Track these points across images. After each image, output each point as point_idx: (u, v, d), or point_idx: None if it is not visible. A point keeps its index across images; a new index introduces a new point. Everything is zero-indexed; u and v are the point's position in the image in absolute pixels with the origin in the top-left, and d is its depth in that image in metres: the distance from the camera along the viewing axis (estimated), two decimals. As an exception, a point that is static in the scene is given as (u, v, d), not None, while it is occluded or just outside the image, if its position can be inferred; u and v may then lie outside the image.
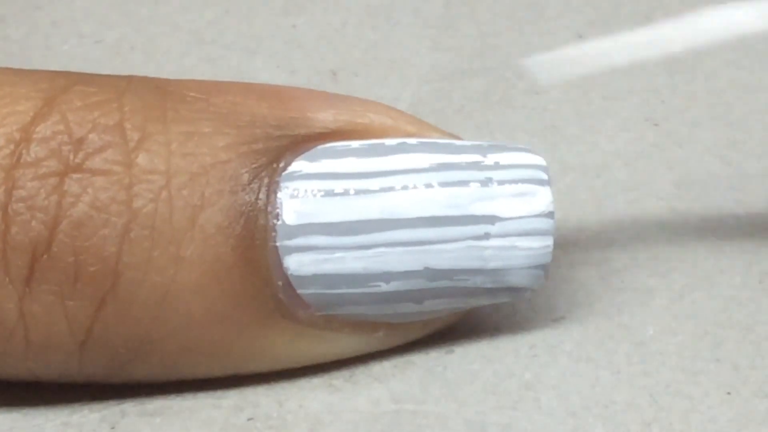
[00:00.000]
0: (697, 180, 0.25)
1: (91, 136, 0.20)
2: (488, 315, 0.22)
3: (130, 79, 0.21)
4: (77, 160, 0.20)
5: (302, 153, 0.21)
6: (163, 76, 0.28)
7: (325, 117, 0.21)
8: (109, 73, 0.28)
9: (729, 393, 0.21)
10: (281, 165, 0.20)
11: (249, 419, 0.21)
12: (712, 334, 0.22)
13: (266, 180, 0.20)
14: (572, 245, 0.24)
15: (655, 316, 0.23)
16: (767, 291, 0.23)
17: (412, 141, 0.21)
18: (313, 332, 0.21)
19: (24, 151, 0.19)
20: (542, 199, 0.21)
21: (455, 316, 0.22)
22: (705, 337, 0.22)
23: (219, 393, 0.21)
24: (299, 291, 0.20)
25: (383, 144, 0.21)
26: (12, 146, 0.19)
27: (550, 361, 0.22)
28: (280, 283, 0.20)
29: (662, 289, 0.23)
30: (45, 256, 0.19)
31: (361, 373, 0.21)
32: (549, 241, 0.21)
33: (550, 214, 0.21)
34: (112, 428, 0.21)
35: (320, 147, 0.21)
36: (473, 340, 0.22)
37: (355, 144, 0.21)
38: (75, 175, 0.19)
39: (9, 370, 0.20)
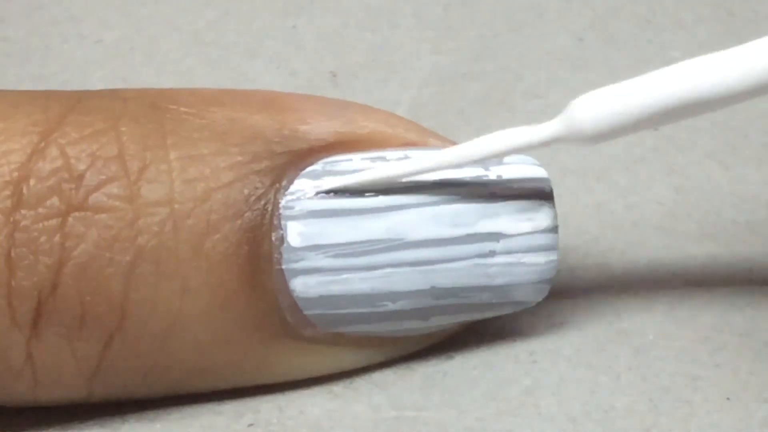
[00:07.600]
0: (696, 185, 0.25)
1: (91, 170, 0.19)
2: (488, 321, 0.22)
3: (125, 100, 0.20)
4: (79, 198, 0.19)
5: (304, 169, 0.20)
6: (163, 76, 0.28)
7: (325, 128, 0.21)
8: (109, 73, 0.28)
9: (728, 398, 0.21)
10: (284, 184, 0.20)
11: (249, 425, 0.21)
12: (712, 339, 0.22)
13: (270, 202, 0.20)
14: (572, 250, 0.24)
15: (655, 321, 0.23)
16: (766, 297, 0.23)
17: (414, 155, 0.21)
18: (318, 348, 0.21)
19: (24, 191, 0.19)
20: (546, 214, 0.21)
21: (458, 327, 0.22)
22: (704, 342, 0.22)
23: (219, 399, 0.21)
24: (305, 312, 0.20)
25: (384, 158, 0.21)
26: (11, 187, 0.19)
27: (549, 366, 0.22)
28: (286, 305, 0.20)
29: (662, 295, 0.23)
30: (50, 300, 0.19)
31: (361, 379, 0.21)
32: (554, 256, 0.21)
33: (554, 229, 0.21)
34: (113, 434, 0.21)
35: (321, 163, 0.20)
36: (473, 346, 0.22)
37: (356, 159, 0.21)
38: (77, 214, 0.19)
39: (17, 402, 0.20)
